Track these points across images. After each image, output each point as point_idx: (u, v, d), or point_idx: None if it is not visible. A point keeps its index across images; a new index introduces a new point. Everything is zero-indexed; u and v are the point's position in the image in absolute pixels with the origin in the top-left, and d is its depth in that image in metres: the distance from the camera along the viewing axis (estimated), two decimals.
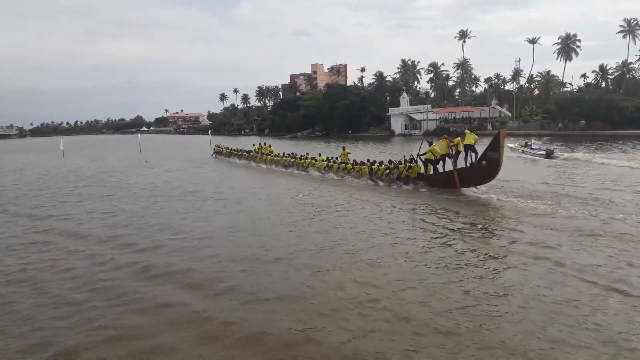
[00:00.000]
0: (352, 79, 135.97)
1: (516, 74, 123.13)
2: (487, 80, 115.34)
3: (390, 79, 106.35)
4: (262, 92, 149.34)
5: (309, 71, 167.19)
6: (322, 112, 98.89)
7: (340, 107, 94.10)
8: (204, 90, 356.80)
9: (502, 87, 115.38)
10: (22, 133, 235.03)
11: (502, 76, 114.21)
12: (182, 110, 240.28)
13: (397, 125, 75.75)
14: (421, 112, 73.78)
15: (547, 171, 24.70)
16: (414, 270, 9.52)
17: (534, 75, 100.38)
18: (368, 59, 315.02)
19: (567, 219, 13.17)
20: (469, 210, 15.21)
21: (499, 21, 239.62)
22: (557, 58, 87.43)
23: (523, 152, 32.46)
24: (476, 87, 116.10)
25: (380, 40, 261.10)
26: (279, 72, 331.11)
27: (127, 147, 77.69)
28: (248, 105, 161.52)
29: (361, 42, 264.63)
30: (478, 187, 18.10)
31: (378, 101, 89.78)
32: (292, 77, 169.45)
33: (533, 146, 32.28)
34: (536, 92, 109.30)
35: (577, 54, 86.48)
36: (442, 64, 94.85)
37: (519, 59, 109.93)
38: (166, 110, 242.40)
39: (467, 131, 19.22)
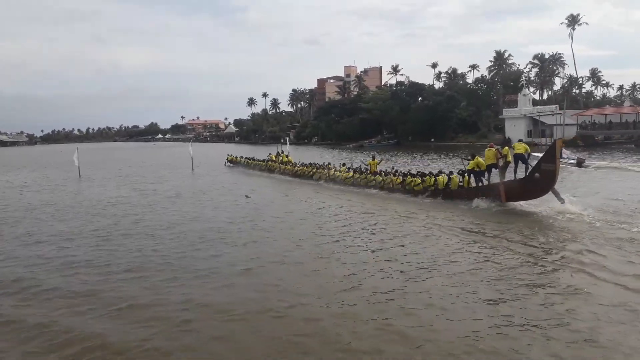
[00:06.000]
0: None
1: (593, 74, 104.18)
2: (544, 82, 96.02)
3: (462, 78, 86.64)
4: (296, 96, 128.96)
5: (340, 74, 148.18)
6: (390, 115, 78.32)
7: (416, 109, 73.71)
8: (216, 97, 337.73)
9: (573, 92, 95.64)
10: (32, 140, 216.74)
11: (574, 76, 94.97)
12: (198, 117, 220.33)
13: (515, 131, 54.91)
14: (553, 115, 53.06)
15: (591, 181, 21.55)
16: None
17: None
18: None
19: None
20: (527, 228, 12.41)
21: (509, 31, 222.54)
22: None
23: None
24: (542, 90, 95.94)
25: (390, 49, 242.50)
26: (295, 79, 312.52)
27: (161, 158, 57.11)
28: (278, 110, 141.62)
29: (371, 51, 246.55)
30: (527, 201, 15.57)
31: (471, 103, 69.20)
32: (321, 81, 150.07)
33: (563, 155, 28.77)
34: None
35: None
36: (561, 54, 74.49)
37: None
38: (182, 117, 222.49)
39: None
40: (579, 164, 28.67)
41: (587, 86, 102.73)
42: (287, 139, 42.71)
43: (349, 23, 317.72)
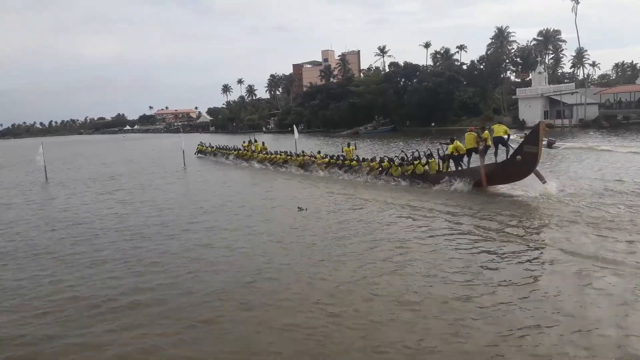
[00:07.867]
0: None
1: (579, 53, 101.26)
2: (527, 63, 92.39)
3: (457, 59, 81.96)
4: (274, 82, 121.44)
5: (318, 59, 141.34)
6: (383, 99, 72.76)
7: (413, 92, 68.38)
8: (186, 86, 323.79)
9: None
10: None
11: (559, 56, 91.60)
12: (167, 107, 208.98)
13: (530, 112, 50.17)
14: (572, 94, 48.44)
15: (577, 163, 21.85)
16: None
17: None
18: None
19: None
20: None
21: (479, 15, 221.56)
22: None
23: None
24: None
25: (361, 35, 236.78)
26: (267, 67, 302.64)
27: (139, 153, 49.67)
28: (254, 97, 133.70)
29: (343, 36, 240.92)
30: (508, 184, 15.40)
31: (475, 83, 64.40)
32: (297, 66, 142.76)
33: None
34: None
35: None
36: (558, 31, 70.02)
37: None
38: (151, 107, 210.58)
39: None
40: (550, 145, 28.32)
41: (567, 67, 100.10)
42: (295, 128, 36.25)
43: (318, 8, 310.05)
